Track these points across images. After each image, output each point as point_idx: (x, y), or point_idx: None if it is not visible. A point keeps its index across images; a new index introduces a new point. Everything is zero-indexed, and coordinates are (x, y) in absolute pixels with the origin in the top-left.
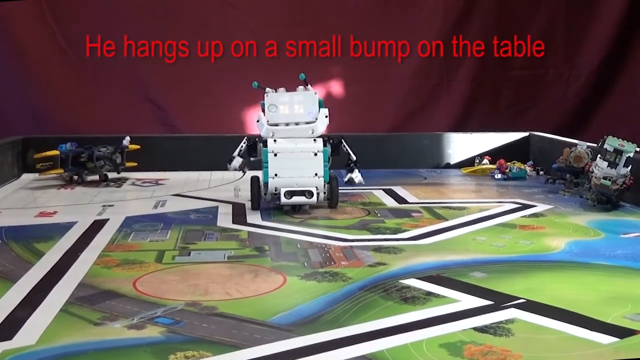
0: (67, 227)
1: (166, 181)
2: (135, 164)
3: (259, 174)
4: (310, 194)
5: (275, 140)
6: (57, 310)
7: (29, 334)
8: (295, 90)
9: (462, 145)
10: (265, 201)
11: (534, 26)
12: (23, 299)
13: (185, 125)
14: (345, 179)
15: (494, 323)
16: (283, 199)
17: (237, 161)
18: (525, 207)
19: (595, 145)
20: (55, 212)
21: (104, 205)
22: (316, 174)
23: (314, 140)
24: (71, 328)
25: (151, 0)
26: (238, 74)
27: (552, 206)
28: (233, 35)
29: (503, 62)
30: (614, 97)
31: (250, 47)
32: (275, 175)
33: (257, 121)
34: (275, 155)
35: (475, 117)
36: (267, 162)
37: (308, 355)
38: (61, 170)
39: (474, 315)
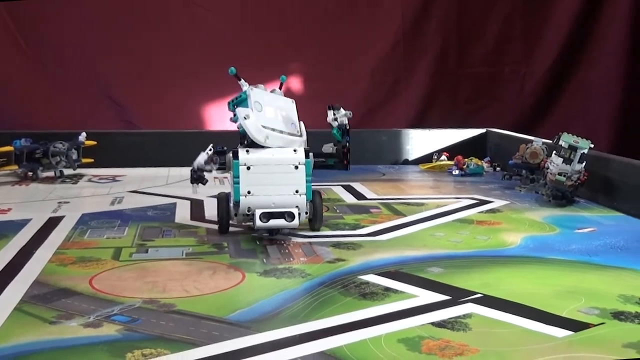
0: (21, 224)
1: (123, 177)
2: (92, 160)
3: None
4: (291, 216)
5: (247, 151)
6: (11, 309)
7: None
8: (270, 91)
9: (420, 141)
10: (237, 223)
11: (492, 24)
12: None
13: (143, 121)
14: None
15: (451, 318)
16: (258, 223)
17: (202, 157)
18: (482, 203)
19: (551, 141)
20: (9, 209)
21: (59, 202)
22: (297, 191)
23: (294, 150)
24: (26, 327)
25: None
26: (197, 71)
27: (508, 202)
28: (192, 32)
29: (461, 59)
30: (569, 94)
31: (209, 44)
32: (248, 192)
33: (245, 118)
34: (248, 168)
35: (434, 113)
36: (238, 177)
37: (267, 352)
38: (15, 167)
39: (432, 311)
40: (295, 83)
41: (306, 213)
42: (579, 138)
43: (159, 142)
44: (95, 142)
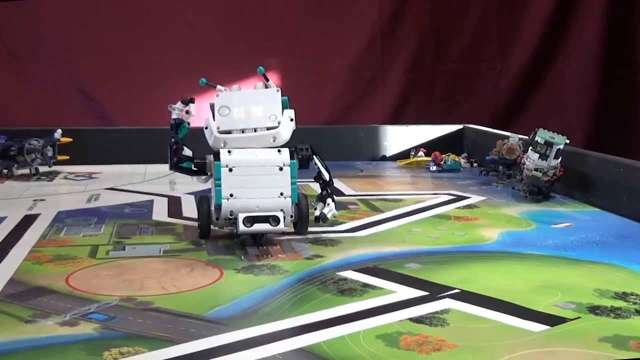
0: None
1: (100, 175)
2: (68, 157)
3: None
4: (276, 220)
5: (229, 152)
6: None
7: None
8: (252, 88)
9: (398, 137)
10: (218, 227)
11: (468, 20)
12: None
13: (120, 117)
14: (316, 213)
15: (429, 313)
16: (241, 227)
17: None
18: (460, 198)
19: (527, 137)
20: None
21: (35, 200)
22: (282, 194)
23: (279, 150)
24: (1, 326)
25: None
26: (174, 66)
27: (485, 198)
28: (169, 28)
29: (437, 56)
30: (545, 90)
31: (186, 41)
32: (231, 195)
33: (205, 128)
34: (230, 170)
35: (411, 110)
36: (220, 179)
37: (245, 349)
38: None
39: (410, 306)
40: (274, 78)
41: (291, 216)
42: (555, 134)
43: (135, 138)
44: (71, 139)
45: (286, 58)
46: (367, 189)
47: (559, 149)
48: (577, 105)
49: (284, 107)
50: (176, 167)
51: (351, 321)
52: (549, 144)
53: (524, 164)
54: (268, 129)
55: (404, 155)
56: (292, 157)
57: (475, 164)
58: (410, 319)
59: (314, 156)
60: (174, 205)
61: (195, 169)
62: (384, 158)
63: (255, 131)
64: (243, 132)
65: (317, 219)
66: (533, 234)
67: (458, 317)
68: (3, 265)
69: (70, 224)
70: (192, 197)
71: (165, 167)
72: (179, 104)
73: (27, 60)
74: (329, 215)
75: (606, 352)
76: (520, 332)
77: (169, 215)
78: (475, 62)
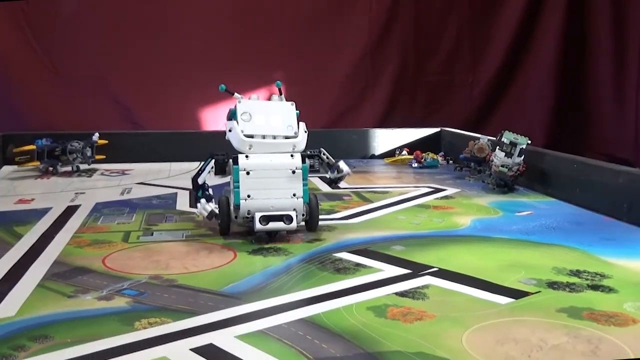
0: (43, 212)
1: (131, 171)
2: (104, 156)
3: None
4: (289, 219)
5: (247, 157)
6: (34, 285)
7: (8, 307)
8: (268, 99)
9: (385, 139)
10: (237, 225)
11: (444, 39)
12: (3, 276)
13: (147, 122)
14: (329, 175)
15: (412, 288)
16: (258, 225)
17: (205, 207)
18: (438, 190)
19: (495, 138)
20: (32, 199)
21: (76, 193)
22: (294, 195)
23: (291, 155)
24: (47, 301)
25: (116, 13)
26: (193, 77)
27: (459, 190)
28: (188, 43)
29: (419, 70)
30: (510, 98)
31: (202, 54)
32: (248, 196)
33: (229, 130)
34: (248, 173)
35: (396, 115)
36: (238, 182)
37: (256, 319)
38: (37, 163)
39: (395, 282)
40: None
41: (303, 215)
42: (519, 135)
43: (161, 140)
44: (106, 141)
45: (290, 70)
46: (359, 182)
47: (522, 148)
48: (537, 111)
49: (297, 120)
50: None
51: (345, 295)
52: (513, 144)
53: (492, 161)
54: (285, 137)
55: (390, 154)
56: (303, 162)
57: (450, 161)
58: (396, 293)
59: (321, 152)
60: (195, 197)
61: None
62: (373, 156)
63: (274, 138)
64: (263, 138)
65: (330, 181)
66: (500, 221)
67: (437, 292)
68: (49, 249)
69: (106, 214)
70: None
71: (188, 165)
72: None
73: (68, 72)
74: (344, 169)
75: (563, 321)
76: (489, 304)
77: (190, 206)
78: (451, 75)
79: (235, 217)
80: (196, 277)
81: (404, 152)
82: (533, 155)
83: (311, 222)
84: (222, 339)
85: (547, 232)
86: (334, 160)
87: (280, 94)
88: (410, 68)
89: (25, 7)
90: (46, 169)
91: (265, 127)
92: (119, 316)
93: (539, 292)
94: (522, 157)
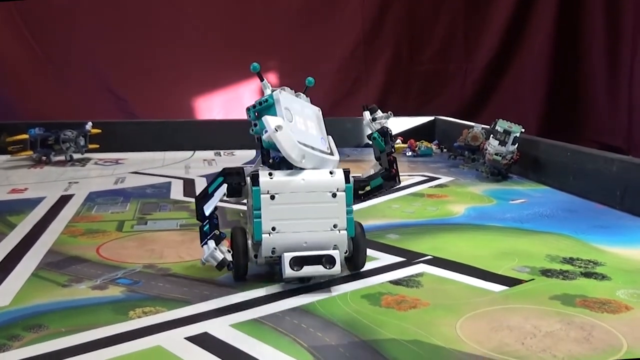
0: (36, 201)
1: (125, 161)
2: (97, 146)
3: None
4: (331, 261)
5: (270, 174)
6: (28, 274)
7: (3, 297)
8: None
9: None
10: (257, 265)
11: (438, 28)
12: None
13: (141, 111)
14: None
15: (406, 277)
16: (288, 271)
17: (214, 255)
18: (432, 179)
19: (488, 127)
20: (25, 189)
21: (69, 182)
22: (335, 226)
23: (330, 172)
24: (41, 290)
25: (110, 3)
26: (187, 68)
27: (453, 178)
28: (181, 35)
29: (412, 58)
30: (504, 87)
31: (196, 45)
32: (273, 229)
33: (276, 129)
34: (273, 197)
35: (390, 104)
36: (260, 209)
37: (251, 307)
38: (31, 152)
39: (390, 271)
40: (272, 78)
41: (345, 252)
42: (512, 123)
43: (155, 129)
44: (99, 130)
45: (285, 60)
46: (353, 171)
47: (516, 136)
48: (531, 99)
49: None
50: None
51: (340, 284)
52: (507, 132)
53: (486, 149)
54: (321, 152)
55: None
56: (346, 180)
57: (444, 150)
58: (390, 282)
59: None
60: (189, 186)
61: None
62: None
63: (313, 150)
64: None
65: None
66: (494, 209)
67: (431, 280)
68: (43, 238)
69: (100, 203)
70: (204, 179)
71: (181, 154)
72: (378, 113)
73: (61, 61)
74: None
75: (556, 309)
76: (483, 292)
77: (184, 195)
78: (445, 64)
79: (255, 257)
80: (191, 266)
81: (398, 140)
82: (527, 143)
83: (356, 260)
84: (217, 327)
85: (541, 220)
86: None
87: (262, 79)
88: (403, 57)
89: None
90: (39, 159)
91: (306, 134)
92: (113, 305)
93: (533, 279)
94: (516, 145)
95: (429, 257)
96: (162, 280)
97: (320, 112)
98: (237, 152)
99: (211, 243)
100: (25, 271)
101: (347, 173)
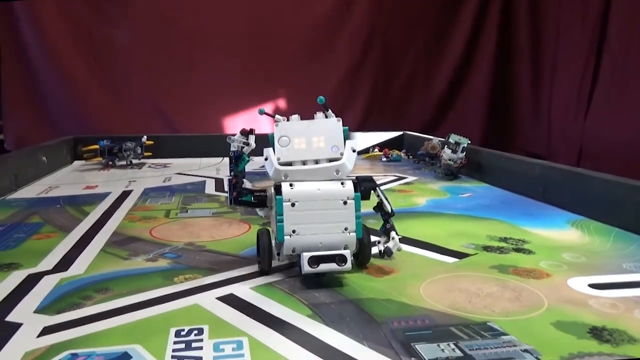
0: (104, 195)
1: (171, 165)
2: (150, 153)
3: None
4: (343, 259)
5: (291, 185)
6: (98, 250)
7: (79, 267)
8: (312, 118)
9: (362, 140)
10: (279, 261)
11: (405, 65)
12: (74, 244)
13: (183, 127)
14: (380, 247)
15: (381, 251)
16: (306, 267)
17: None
18: (401, 178)
19: (444, 139)
20: (96, 186)
21: (129, 181)
22: (346, 229)
23: (342, 183)
24: (108, 262)
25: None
26: (217, 93)
27: (417, 178)
28: (214, 68)
29: (386, 88)
30: (455, 109)
31: (224, 75)
32: (293, 232)
33: (265, 159)
34: (293, 205)
35: (370, 122)
36: (282, 215)
37: (265, 276)
38: (100, 158)
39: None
40: (282, 105)
41: (354, 250)
42: (461, 137)
43: (193, 141)
44: (152, 142)
45: (289, 88)
46: None
47: (464, 146)
48: (475, 119)
49: (345, 138)
50: (236, 201)
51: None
52: (457, 143)
53: (441, 156)
54: (329, 160)
55: (366, 151)
56: (356, 190)
57: (410, 157)
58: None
59: (377, 188)
60: (219, 184)
61: (256, 201)
62: (353, 151)
63: (316, 163)
64: (304, 163)
65: (381, 253)
66: (448, 201)
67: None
68: (109, 223)
69: (153, 196)
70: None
71: (213, 160)
72: (237, 136)
73: (122, 88)
74: (393, 250)
75: (494, 276)
76: (440, 263)
77: (216, 190)
78: (410, 92)
79: (278, 254)
80: (220, 244)
81: (376, 149)
82: (472, 151)
83: (362, 257)
84: (240, 290)
85: (483, 209)
86: (389, 208)
87: (326, 109)
88: (380, 87)
89: (87, 37)
90: (107, 163)
91: (306, 151)
92: (162, 273)
93: (477, 253)
94: (464, 153)
95: (400, 236)
96: (199, 255)
97: (340, 121)
98: (256, 158)
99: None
100: (96, 247)
101: (356, 184)
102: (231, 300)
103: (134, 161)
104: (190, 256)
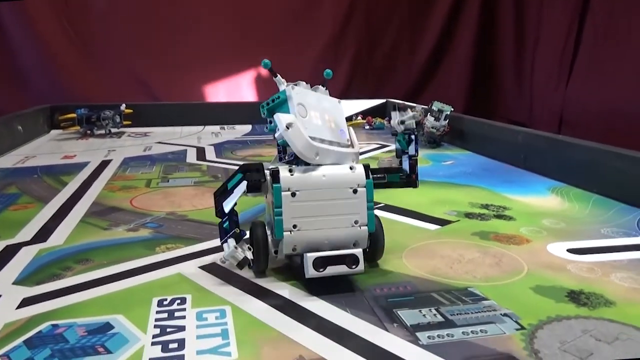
0: (83, 165)
1: (151, 134)
2: (130, 122)
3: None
4: (354, 260)
5: (291, 171)
6: (77, 220)
7: (58, 237)
8: (309, 89)
9: (345, 107)
10: (276, 260)
11: (389, 31)
12: (53, 214)
13: (163, 95)
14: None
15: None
16: (311, 271)
17: (234, 255)
18: (384, 146)
19: (427, 106)
20: (75, 155)
21: (109, 150)
22: (356, 222)
23: (350, 167)
24: (88, 232)
25: (137, 9)
26: (197, 61)
27: None
28: (195, 32)
29: (370, 55)
30: (438, 77)
31: (207, 39)
32: (294, 227)
33: (287, 127)
34: (294, 195)
35: (354, 90)
36: (281, 207)
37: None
38: (78, 127)
39: None
40: (260, 71)
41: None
42: (444, 104)
43: (174, 109)
44: (131, 110)
45: (270, 55)
46: None
47: (447, 114)
48: (458, 86)
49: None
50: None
51: None
52: (440, 111)
53: (424, 124)
54: (339, 145)
55: (349, 119)
56: (367, 176)
57: None
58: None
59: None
60: (200, 153)
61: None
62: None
63: (331, 145)
64: (322, 142)
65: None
66: (431, 168)
67: (384, 221)
68: (88, 193)
69: (133, 166)
70: (212, 147)
71: (194, 128)
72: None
73: (100, 56)
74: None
75: (475, 242)
76: (423, 230)
77: (197, 159)
78: (394, 59)
79: (275, 253)
80: (202, 213)
81: (359, 117)
82: (455, 119)
83: (373, 253)
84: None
85: (465, 176)
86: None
87: (274, 76)
88: (363, 54)
89: (63, 2)
90: (85, 132)
91: (322, 128)
92: (144, 243)
93: (459, 220)
94: (447, 121)
95: (382, 204)
96: (181, 224)
97: (341, 103)
98: (237, 127)
99: (231, 242)
100: (76, 218)
101: (367, 168)
102: (213, 269)
103: (113, 130)
104: (172, 226)
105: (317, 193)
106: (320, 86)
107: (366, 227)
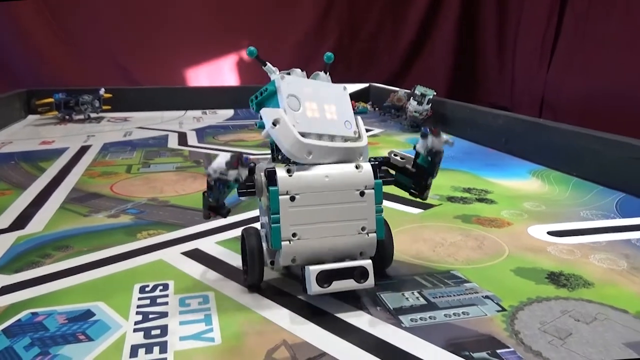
0: (62, 151)
1: (131, 118)
2: (109, 107)
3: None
4: (363, 274)
5: (289, 172)
6: (57, 207)
7: (37, 224)
8: (312, 77)
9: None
10: (272, 271)
11: (371, 15)
12: (32, 201)
13: (143, 80)
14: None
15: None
16: (315, 287)
17: (222, 158)
18: (368, 131)
19: (409, 91)
20: (53, 141)
21: (88, 136)
22: (363, 229)
23: (356, 166)
24: (67, 219)
25: None
26: (178, 44)
27: (383, 130)
28: (177, 13)
29: (352, 39)
30: (420, 61)
31: (189, 21)
32: (293, 235)
33: (273, 125)
34: (293, 199)
35: (336, 74)
36: (278, 213)
37: (230, 230)
38: (56, 112)
39: None
40: (243, 55)
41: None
42: (427, 88)
43: (154, 94)
44: (111, 95)
45: (253, 38)
46: None
47: (430, 98)
48: (441, 70)
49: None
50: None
51: None
52: (423, 95)
53: (407, 108)
54: (344, 139)
55: None
56: (376, 176)
57: (377, 109)
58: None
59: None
60: (182, 138)
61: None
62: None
63: (331, 140)
64: (319, 138)
65: (429, 152)
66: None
67: None
68: (67, 179)
69: (113, 151)
70: (194, 132)
71: (176, 113)
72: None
73: (78, 39)
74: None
75: (458, 225)
76: (406, 214)
77: (179, 144)
78: (376, 43)
79: (271, 263)
80: (184, 199)
81: None
82: (437, 103)
83: (381, 262)
84: (205, 244)
85: (447, 160)
86: (411, 156)
87: (264, 64)
88: (345, 39)
89: None
90: (63, 117)
91: (320, 122)
92: (125, 229)
93: (441, 204)
94: (430, 105)
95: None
96: (162, 210)
97: (346, 90)
98: (220, 111)
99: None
100: (55, 204)
101: (375, 167)
102: (196, 255)
103: (92, 115)
104: (153, 211)
105: (319, 196)
106: (321, 72)
107: (374, 235)
